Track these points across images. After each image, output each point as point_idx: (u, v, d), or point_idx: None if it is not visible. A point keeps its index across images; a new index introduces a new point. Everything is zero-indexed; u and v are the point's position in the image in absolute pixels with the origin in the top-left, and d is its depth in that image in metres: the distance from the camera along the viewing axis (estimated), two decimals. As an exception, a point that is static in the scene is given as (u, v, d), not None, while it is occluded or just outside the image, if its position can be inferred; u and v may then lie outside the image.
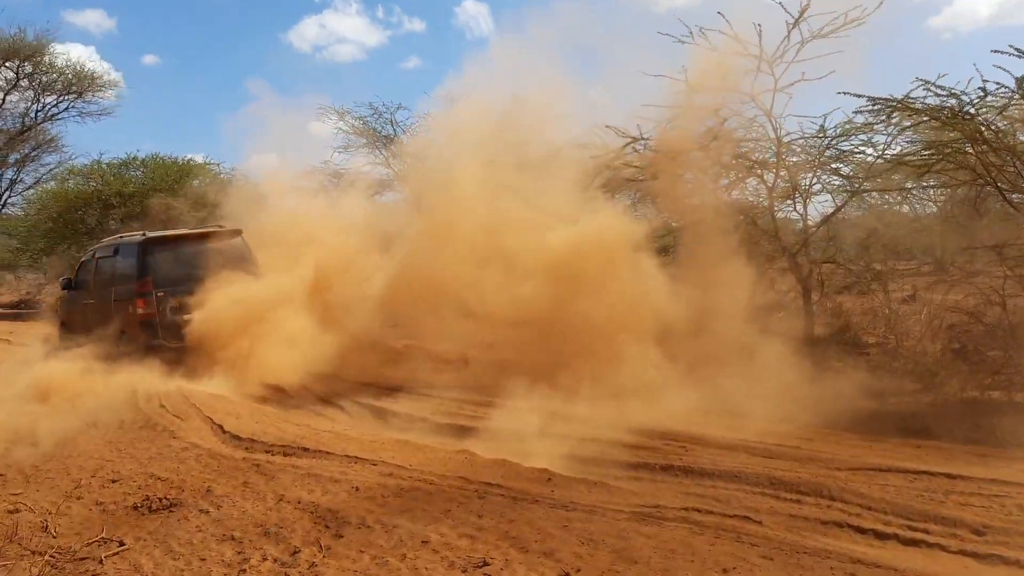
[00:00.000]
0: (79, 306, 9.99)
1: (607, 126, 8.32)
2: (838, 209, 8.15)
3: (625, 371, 6.00)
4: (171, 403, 6.26)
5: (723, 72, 7.40)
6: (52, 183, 23.32)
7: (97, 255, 9.87)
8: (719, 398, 5.76)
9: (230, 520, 3.76)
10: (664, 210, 8.82)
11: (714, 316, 6.64)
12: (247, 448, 5.10)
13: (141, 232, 9.21)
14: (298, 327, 8.29)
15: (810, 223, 8.23)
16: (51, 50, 22.68)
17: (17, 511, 4.11)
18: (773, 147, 7.88)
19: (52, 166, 24.18)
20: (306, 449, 4.95)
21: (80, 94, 24.41)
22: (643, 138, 8.25)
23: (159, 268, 8.63)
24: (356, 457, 4.73)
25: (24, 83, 22.79)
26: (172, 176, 22.32)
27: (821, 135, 7.66)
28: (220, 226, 9.85)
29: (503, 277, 7.06)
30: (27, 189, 24.75)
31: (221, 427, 5.51)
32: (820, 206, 8.55)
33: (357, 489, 4.16)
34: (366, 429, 5.91)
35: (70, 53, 25.42)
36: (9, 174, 24.48)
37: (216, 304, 8.18)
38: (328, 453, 4.85)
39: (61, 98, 24.11)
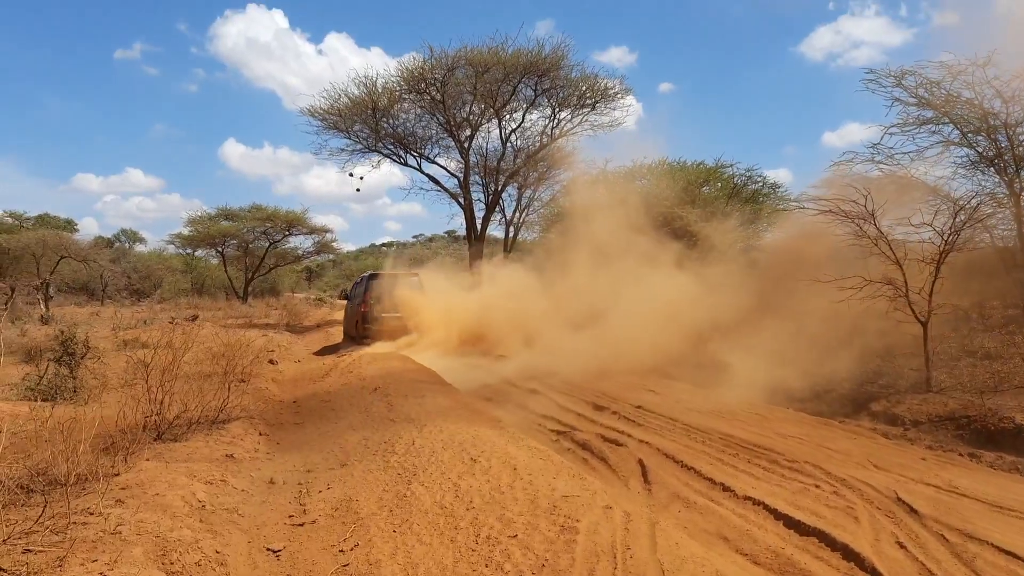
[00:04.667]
0: (347, 309, 18.77)
1: None
2: None
3: None
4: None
5: None
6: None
7: (355, 280, 18.93)
8: None
9: None
10: None
11: None
12: None
13: (371, 271, 18.65)
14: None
15: None
16: (566, 64, 23.21)
17: None
18: None
19: (565, 182, 24.91)
20: None
21: (593, 106, 24.69)
22: None
23: (373, 289, 16.64)
24: None
25: (543, 100, 23.92)
26: (680, 182, 20.60)
27: None
28: (410, 271, 18.34)
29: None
30: (542, 208, 26.31)
31: None
32: None
33: None
34: None
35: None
36: (527, 193, 26.34)
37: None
38: None
39: (575, 112, 24.66)
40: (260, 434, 7.11)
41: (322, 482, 5.39)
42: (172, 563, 3.56)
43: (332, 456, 6.16)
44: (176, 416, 6.53)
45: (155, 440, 6.21)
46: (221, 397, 7.19)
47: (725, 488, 4.71)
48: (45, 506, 3.74)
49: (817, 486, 4.66)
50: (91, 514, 4.04)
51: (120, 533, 3.77)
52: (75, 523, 3.88)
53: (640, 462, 5.46)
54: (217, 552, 3.90)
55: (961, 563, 3.47)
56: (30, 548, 3.53)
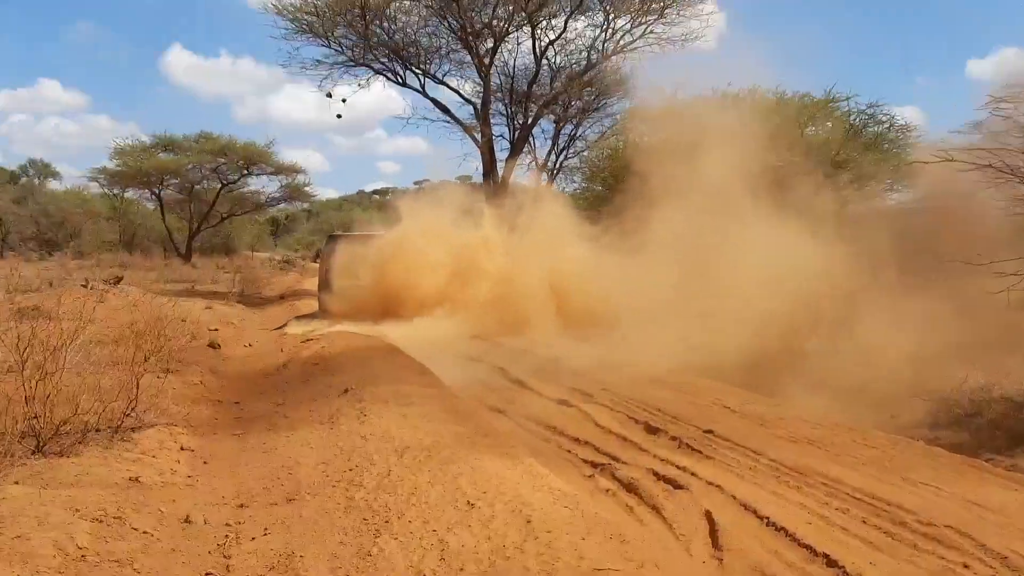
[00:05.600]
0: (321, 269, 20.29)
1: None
2: None
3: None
4: None
5: None
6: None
7: (327, 242, 20.41)
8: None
9: None
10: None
11: None
12: None
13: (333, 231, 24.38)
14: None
15: None
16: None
17: None
18: None
19: (619, 115, 24.39)
20: None
21: (661, 13, 23.94)
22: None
23: (334, 254, 18.88)
24: None
25: (593, 3, 23.33)
26: (776, 119, 20.03)
27: None
28: (372, 231, 20.10)
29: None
30: (584, 150, 25.80)
31: None
32: None
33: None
34: None
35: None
36: (567, 129, 25.78)
37: None
38: None
39: (637, 20, 23.96)
40: (182, 448, 6.83)
41: (258, 524, 5.10)
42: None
43: (277, 485, 5.89)
44: (64, 421, 6.25)
45: (34, 453, 5.95)
46: (130, 395, 6.93)
47: (830, 562, 4.31)
48: None
49: (966, 566, 4.25)
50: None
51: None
52: None
53: (708, 515, 5.09)
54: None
55: None
56: None
